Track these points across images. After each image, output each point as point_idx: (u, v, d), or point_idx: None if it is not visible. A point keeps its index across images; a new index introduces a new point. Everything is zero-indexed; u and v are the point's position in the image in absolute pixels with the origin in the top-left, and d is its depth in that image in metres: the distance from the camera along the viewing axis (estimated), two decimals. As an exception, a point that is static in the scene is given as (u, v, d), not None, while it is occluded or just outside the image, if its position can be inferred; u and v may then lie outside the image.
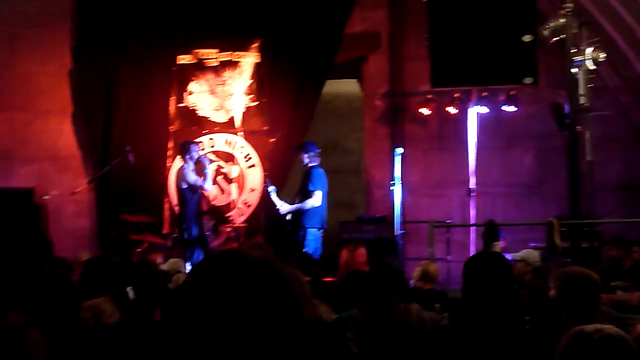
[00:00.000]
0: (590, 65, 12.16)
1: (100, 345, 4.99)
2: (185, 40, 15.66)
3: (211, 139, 15.43)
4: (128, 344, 5.08)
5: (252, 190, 15.27)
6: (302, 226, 12.38)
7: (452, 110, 14.99)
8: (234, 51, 15.60)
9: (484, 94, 14.45)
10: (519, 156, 15.64)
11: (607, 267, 11.14)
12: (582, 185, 11.82)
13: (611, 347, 2.87)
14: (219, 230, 14.28)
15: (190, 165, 12.96)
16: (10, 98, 16.01)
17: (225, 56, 15.62)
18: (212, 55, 15.64)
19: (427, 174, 15.75)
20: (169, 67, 15.69)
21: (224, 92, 15.60)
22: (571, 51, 11.98)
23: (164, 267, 10.07)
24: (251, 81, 15.55)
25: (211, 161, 13.99)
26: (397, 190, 12.41)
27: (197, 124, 15.61)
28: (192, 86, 15.68)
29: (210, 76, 15.64)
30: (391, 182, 12.67)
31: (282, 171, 14.89)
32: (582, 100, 12.09)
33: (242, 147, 15.37)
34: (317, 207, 12.38)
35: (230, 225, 14.64)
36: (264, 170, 15.13)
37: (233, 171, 15.32)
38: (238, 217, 15.08)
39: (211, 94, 15.64)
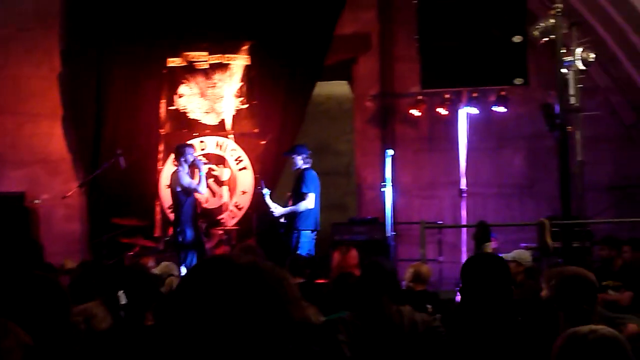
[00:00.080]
0: (580, 65, 12.20)
1: (92, 349, 4.98)
2: (176, 43, 15.64)
3: (202, 141, 15.40)
4: (119, 348, 5.06)
5: (244, 192, 15.26)
6: (295, 228, 12.40)
7: (442, 111, 15.01)
8: (224, 54, 15.59)
9: (475, 94, 14.45)
10: (510, 157, 15.67)
11: (598, 266, 11.16)
12: (572, 186, 11.85)
13: (606, 347, 2.88)
14: (211, 233, 14.26)
15: (185, 168, 12.96)
16: (1, 101, 15.94)
17: (215, 59, 15.61)
18: (202, 58, 15.62)
19: (418, 175, 15.77)
20: (159, 70, 15.66)
21: (214, 95, 15.59)
22: (561, 51, 12.01)
23: (156, 270, 10.03)
24: (241, 83, 15.54)
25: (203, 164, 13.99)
26: (388, 192, 12.39)
27: (187, 127, 15.60)
28: (182, 89, 15.66)
29: (200, 79, 15.62)
30: (382, 184, 12.65)
31: (273, 174, 14.88)
32: (572, 100, 12.13)
33: (233, 149, 15.36)
34: (310, 209, 12.41)
35: (222, 228, 14.63)
36: (255, 172, 15.14)
37: (224, 174, 15.31)
38: (230, 219, 15.07)
39: (201, 96, 15.63)
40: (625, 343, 2.91)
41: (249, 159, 15.29)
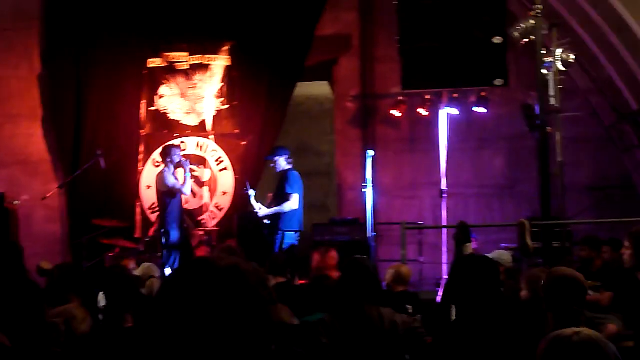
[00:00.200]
0: (560, 66, 12.26)
1: (71, 351, 4.95)
2: (156, 43, 15.62)
3: (182, 142, 15.34)
4: (98, 350, 5.05)
5: (224, 193, 15.24)
6: (279, 229, 12.45)
7: (423, 112, 15.05)
8: (205, 54, 15.56)
9: (455, 95, 14.51)
10: (490, 157, 15.70)
11: (578, 267, 11.17)
12: (552, 186, 11.89)
13: (590, 349, 2.88)
14: (191, 234, 14.25)
15: (171, 169, 12.96)
16: (-20, 102, 15.88)
17: (195, 59, 15.58)
18: (182, 59, 15.59)
19: (399, 175, 15.78)
20: (140, 71, 15.63)
21: (194, 96, 15.56)
22: (541, 52, 12.04)
23: (137, 272, 10.00)
24: (222, 84, 15.52)
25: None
26: (369, 192, 12.40)
27: (168, 128, 15.57)
28: (162, 89, 15.62)
29: (181, 79, 15.59)
30: (363, 184, 12.66)
31: (253, 174, 14.86)
32: (552, 101, 12.18)
33: (213, 150, 15.33)
34: (294, 210, 12.49)
35: (202, 228, 14.62)
36: (236, 173, 15.13)
37: (205, 175, 15.29)
38: (210, 220, 15.06)
39: (182, 97, 15.59)
40: (608, 345, 2.92)
41: (230, 159, 15.27)
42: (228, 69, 15.51)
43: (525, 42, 12.18)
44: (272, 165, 13.06)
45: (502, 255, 9.94)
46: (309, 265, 9.11)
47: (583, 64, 14.65)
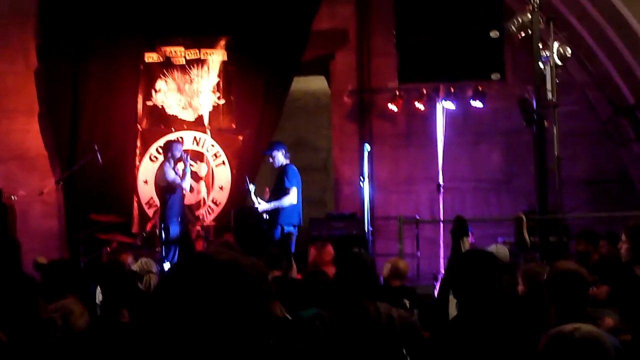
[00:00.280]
0: (557, 60, 12.23)
1: (68, 346, 4.95)
2: (152, 38, 15.59)
3: (180, 137, 15.34)
4: (94, 345, 5.04)
5: (221, 188, 15.24)
6: (279, 223, 12.46)
7: (420, 106, 15.04)
8: (201, 49, 15.55)
9: (452, 89, 14.52)
10: (487, 152, 15.69)
11: (575, 261, 11.18)
12: (549, 181, 11.89)
13: (591, 345, 2.88)
14: (193, 229, 14.25)
15: (171, 164, 12.96)
16: (-24, 98, 15.85)
17: (192, 54, 15.57)
18: (179, 53, 15.58)
19: (396, 170, 15.77)
20: (136, 66, 15.61)
21: (191, 90, 15.55)
22: (538, 47, 12.03)
23: (135, 267, 9.98)
24: (218, 79, 15.51)
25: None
26: (366, 187, 12.41)
27: (165, 123, 15.56)
28: (159, 84, 15.60)
29: (177, 74, 15.58)
30: (360, 179, 12.67)
31: (250, 169, 14.84)
32: (549, 95, 12.17)
33: (210, 145, 15.33)
34: (293, 204, 12.50)
35: (199, 223, 14.62)
36: (232, 168, 15.13)
37: (202, 169, 15.28)
38: (207, 215, 15.06)
39: (179, 92, 15.58)
40: (608, 340, 2.92)
41: (227, 154, 15.27)
42: (224, 64, 15.50)
43: (522, 36, 12.16)
44: (270, 160, 13.06)
45: (499, 249, 9.95)
46: (306, 260, 9.12)
47: (580, 58, 14.65)
